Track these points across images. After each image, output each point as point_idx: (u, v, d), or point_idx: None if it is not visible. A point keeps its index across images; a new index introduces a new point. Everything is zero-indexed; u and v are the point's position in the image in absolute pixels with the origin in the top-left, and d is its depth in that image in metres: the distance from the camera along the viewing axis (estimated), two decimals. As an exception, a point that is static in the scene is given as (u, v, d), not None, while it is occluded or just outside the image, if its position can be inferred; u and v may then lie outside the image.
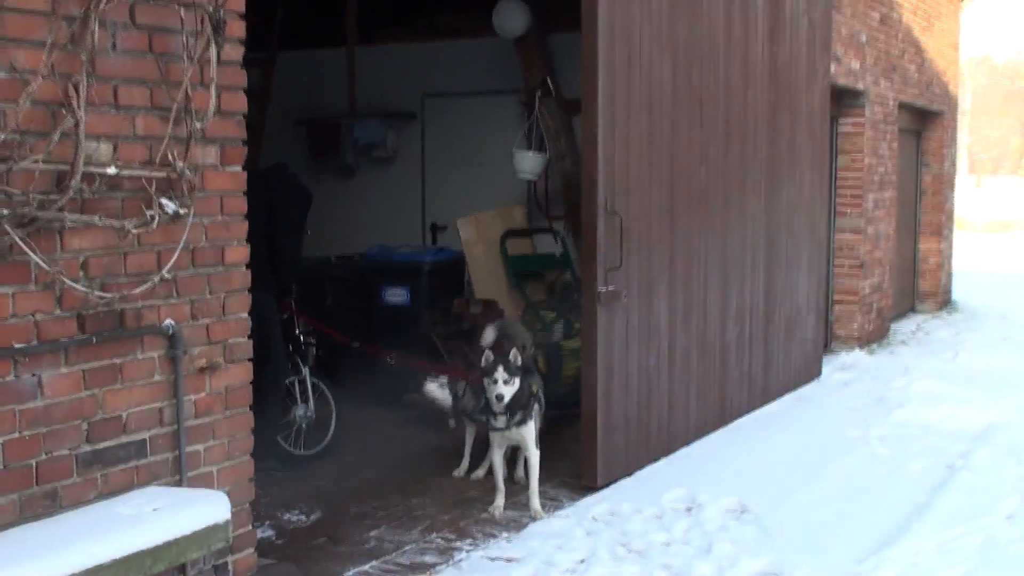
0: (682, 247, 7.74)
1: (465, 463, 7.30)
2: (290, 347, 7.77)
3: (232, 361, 4.56)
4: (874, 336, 12.57)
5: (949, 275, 16.16)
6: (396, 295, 9.29)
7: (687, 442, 7.97)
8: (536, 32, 9.68)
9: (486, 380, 6.33)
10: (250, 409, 4.69)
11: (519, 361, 6.37)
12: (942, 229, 15.56)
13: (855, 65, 11.46)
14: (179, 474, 4.35)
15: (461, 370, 7.56)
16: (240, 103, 4.49)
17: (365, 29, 11.09)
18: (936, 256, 15.52)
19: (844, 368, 10.96)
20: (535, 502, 6.46)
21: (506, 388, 6.26)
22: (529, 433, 6.48)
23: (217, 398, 4.49)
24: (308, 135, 11.30)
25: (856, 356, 11.52)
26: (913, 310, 15.40)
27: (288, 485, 7.06)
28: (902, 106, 13.32)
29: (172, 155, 4.11)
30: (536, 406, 6.56)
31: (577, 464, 7.27)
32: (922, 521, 6.34)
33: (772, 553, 5.82)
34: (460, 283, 9.40)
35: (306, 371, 7.69)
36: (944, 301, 15.91)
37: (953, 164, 15.98)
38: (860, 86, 11.66)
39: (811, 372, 10.35)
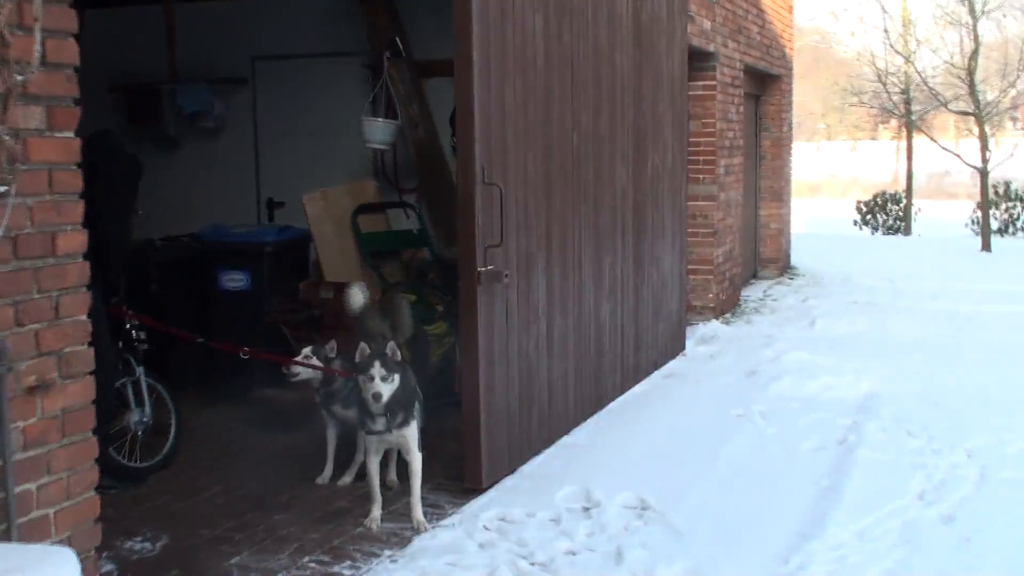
0: (558, 220, 7.11)
1: (329, 468, 6.51)
2: (119, 345, 6.80)
3: (70, 376, 3.67)
4: (727, 305, 12.26)
5: (789, 240, 16.10)
6: (235, 280, 8.37)
7: (567, 430, 7.37)
8: (382, -13, 8.85)
9: (361, 378, 5.56)
10: (93, 433, 3.80)
11: (398, 355, 5.62)
12: (782, 194, 15.44)
13: (707, 25, 11.04)
14: (7, 522, 3.45)
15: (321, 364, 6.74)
16: (71, 53, 3.59)
17: (185, -16, 10.01)
18: (777, 221, 15.40)
19: (705, 341, 10.58)
20: (418, 512, 5.74)
21: (384, 386, 5.51)
22: (412, 435, 5.75)
23: (51, 423, 3.61)
24: (124, 103, 10.18)
25: (714, 327, 11.16)
26: (756, 276, 15.25)
27: (126, 505, 6.13)
28: (746, 69, 13.02)
29: (-16, 119, 3.21)
30: (417, 404, 5.83)
31: (452, 463, 6.60)
32: (836, 508, 5.92)
33: (688, 556, 5.27)
34: (306, 265, 8.54)
35: (139, 371, 6.73)
36: (784, 266, 15.83)
37: (790, 128, 15.88)
38: (711, 47, 11.25)
39: (676, 347, 9.91)
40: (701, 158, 11.43)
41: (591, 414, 7.78)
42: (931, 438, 7.12)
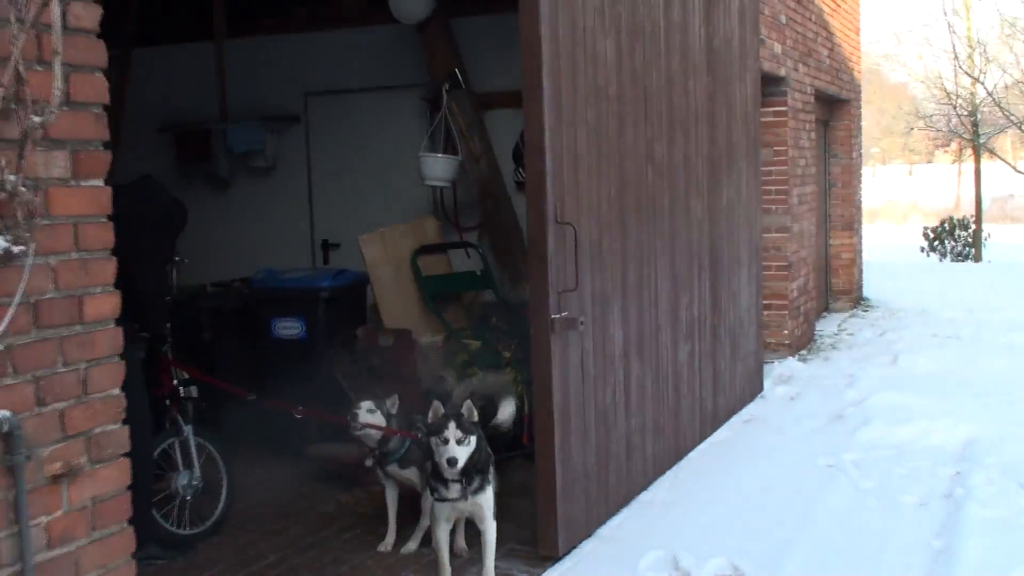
0: (633, 259, 6.60)
1: (391, 535, 6.02)
2: (167, 402, 6.37)
3: (100, 460, 3.21)
4: (803, 342, 11.66)
5: (861, 271, 15.44)
6: (289, 328, 7.92)
7: (645, 486, 6.83)
8: (440, 16, 8.40)
9: (434, 440, 5.07)
10: (130, 524, 3.34)
11: (475, 415, 5.13)
12: (853, 223, 14.81)
13: (777, 48, 10.51)
14: (31, 633, 2.98)
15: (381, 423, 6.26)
16: (98, 89, 3.13)
17: (235, 19, 9.60)
18: (849, 251, 14.76)
19: (784, 381, 9.98)
20: None
21: (460, 449, 5.01)
22: (487, 503, 5.24)
23: (80, 516, 3.14)
24: (174, 143, 9.83)
25: (791, 365, 10.57)
26: (828, 309, 14.61)
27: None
28: (816, 94, 12.46)
29: (-1, 167, 2.77)
30: (492, 467, 5.33)
31: (525, 524, 6.10)
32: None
33: (795, 637, 4.71)
34: (363, 310, 8.09)
35: (187, 430, 6.28)
36: (857, 298, 15.17)
37: (860, 155, 15.27)
38: (782, 72, 10.72)
39: (754, 389, 9.33)
40: (773, 187, 10.88)
41: (669, 467, 7.23)
42: (1047, 492, 6.49)
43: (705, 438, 7.96)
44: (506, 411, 5.97)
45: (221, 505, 6.42)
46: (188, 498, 6.24)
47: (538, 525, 5.74)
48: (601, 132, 6.14)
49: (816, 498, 6.58)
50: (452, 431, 4.99)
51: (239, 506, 6.71)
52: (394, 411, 5.95)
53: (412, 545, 5.92)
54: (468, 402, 5.15)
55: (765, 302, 10.70)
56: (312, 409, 6.47)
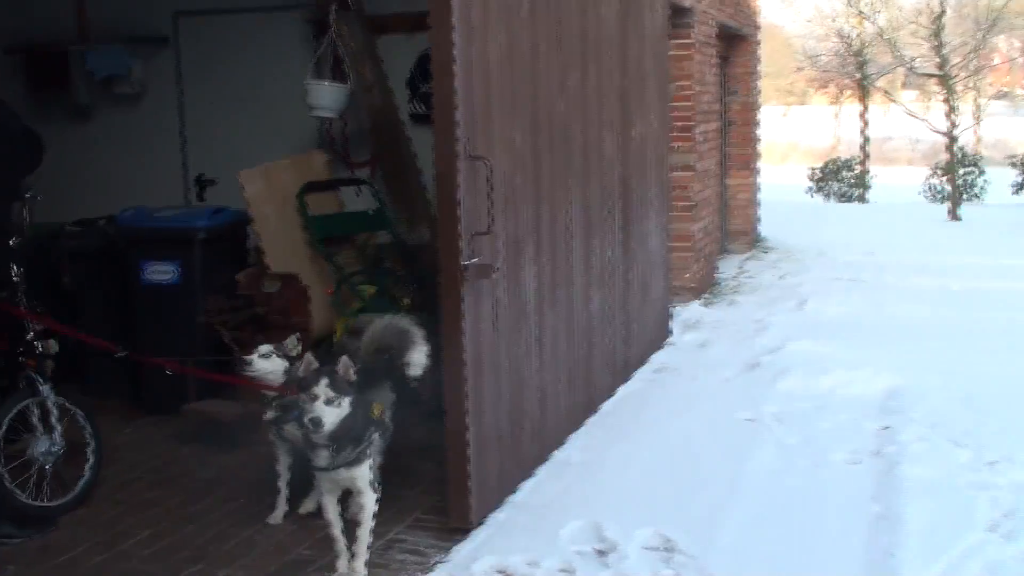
0: (547, 199, 6.00)
1: (282, 506, 5.38)
2: (20, 359, 5.60)
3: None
4: (705, 285, 11.25)
5: (758, 211, 15.13)
6: (161, 272, 7.13)
7: (559, 443, 6.30)
8: (328, -73, 7.59)
9: (303, 396, 4.44)
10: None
11: (352, 374, 4.50)
12: (751, 162, 14.46)
13: (684, -23, 9.95)
14: None
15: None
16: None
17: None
18: (746, 191, 14.43)
19: (691, 327, 9.54)
20: (360, 567, 4.64)
21: (328, 411, 4.39)
22: (363, 476, 4.63)
23: None
24: (26, 66, 8.86)
25: (696, 311, 10.15)
26: (725, 251, 14.26)
27: (31, 559, 5.00)
28: (718, 28, 11.97)
29: None
30: (379, 436, 4.74)
31: (430, 489, 5.57)
32: (901, 547, 4.90)
33: (741, 620, 4.24)
34: (244, 253, 7.34)
35: (45, 390, 5.52)
36: (754, 239, 14.87)
37: (758, 92, 14.89)
38: (688, 2, 10.17)
39: (662, 335, 8.88)
40: (678, 124, 10.36)
41: (583, 421, 6.72)
42: (980, 448, 6.13)
43: (617, 389, 7.47)
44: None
45: (87, 474, 5.69)
46: (48, 466, 5.49)
47: (448, 493, 5.16)
48: (514, 56, 5.50)
49: (741, 457, 6.13)
50: (322, 388, 4.37)
51: (108, 473, 5.98)
52: (295, 353, 5.26)
53: (309, 504, 5.31)
54: (345, 358, 4.52)
55: (669, 244, 10.24)
56: (187, 366, 5.76)
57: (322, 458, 4.51)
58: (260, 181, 6.92)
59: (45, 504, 5.44)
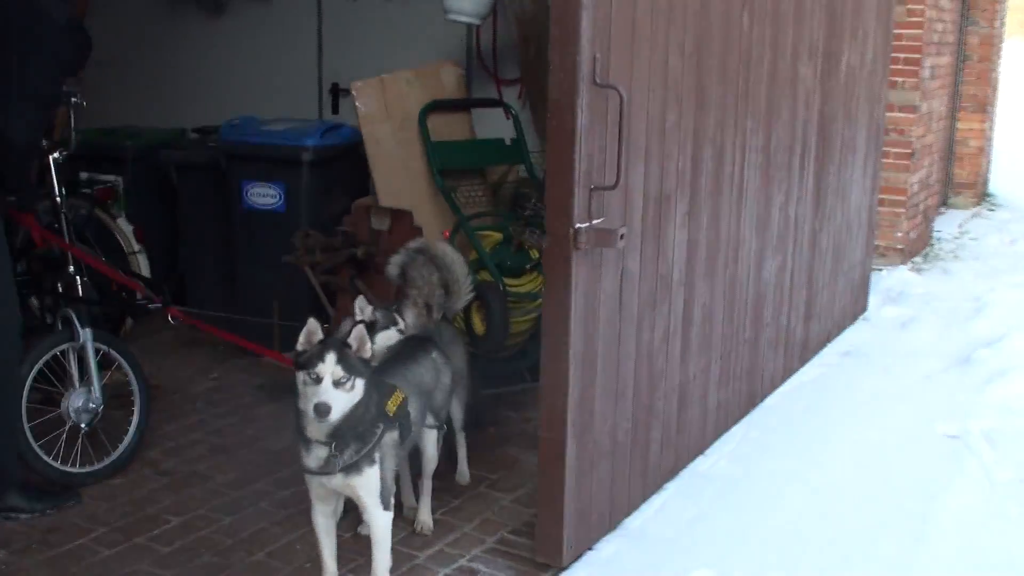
0: (710, 143, 4.69)
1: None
2: (58, 293, 4.73)
3: None
4: (917, 246, 9.62)
5: (989, 161, 13.18)
6: (264, 196, 6.19)
7: (703, 449, 5.06)
8: None
9: (301, 377, 3.36)
10: None
11: (367, 349, 3.42)
12: (986, 104, 12.51)
13: None
14: None
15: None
16: None
17: None
18: (978, 138, 12.48)
19: (893, 299, 8.00)
20: None
21: (336, 394, 3.32)
22: (366, 487, 3.54)
23: None
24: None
25: (903, 277, 8.57)
26: (945, 204, 12.45)
27: (28, 545, 4.11)
28: (963, -57, 10.15)
29: None
30: (393, 436, 3.62)
31: (524, 499, 4.43)
32: None
33: None
34: (365, 180, 6.26)
35: (85, 334, 4.61)
36: (982, 194, 12.96)
37: (1003, 23, 12.86)
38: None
39: (856, 308, 7.41)
40: (902, 55, 8.71)
41: (739, 419, 5.44)
42: None
43: (789, 376, 6.14)
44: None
45: (127, 437, 4.79)
46: (83, 426, 4.63)
47: (537, 523, 4.01)
48: (678, -47, 4.19)
49: (936, 490, 4.76)
50: (329, 365, 3.30)
51: (167, 430, 5.23)
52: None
53: (425, 518, 4.29)
54: (360, 328, 3.42)
55: (879, 196, 8.69)
56: (239, 337, 4.79)
57: (313, 457, 3.45)
58: (376, 95, 5.80)
59: (71, 470, 4.58)
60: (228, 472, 4.83)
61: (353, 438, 3.42)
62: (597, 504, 4.13)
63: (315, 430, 3.36)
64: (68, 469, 4.56)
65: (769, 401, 5.78)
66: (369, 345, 3.41)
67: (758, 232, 5.34)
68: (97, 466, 4.65)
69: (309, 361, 3.31)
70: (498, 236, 5.56)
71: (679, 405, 4.72)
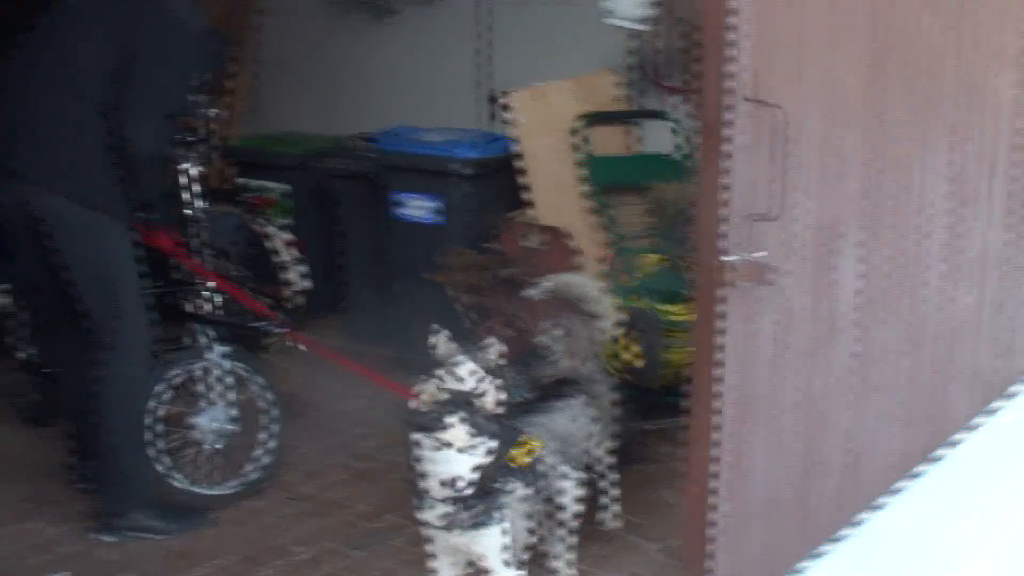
0: (891, 163, 4.20)
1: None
2: (186, 309, 4.60)
3: None
4: None
5: None
6: (418, 208, 5.97)
7: (878, 504, 4.55)
8: None
9: (421, 439, 3.07)
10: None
11: (500, 404, 3.09)
12: None
13: None
14: None
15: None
16: None
17: None
18: None
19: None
20: None
21: (463, 461, 3.03)
22: (489, 546, 3.22)
23: None
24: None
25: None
26: None
27: (151, 569, 3.99)
28: None
29: None
30: (523, 490, 3.28)
31: (675, 550, 4.05)
32: None
33: None
34: (522, 193, 5.96)
35: (217, 351, 4.47)
36: None
37: None
38: None
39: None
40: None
41: (920, 470, 4.90)
42: None
43: (982, 421, 5.52)
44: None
45: (260, 460, 4.64)
46: (214, 447, 4.49)
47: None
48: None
49: None
50: (458, 431, 2.99)
51: (309, 450, 5.11)
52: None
53: (564, 572, 3.96)
54: (489, 384, 3.10)
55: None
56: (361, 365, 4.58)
57: (434, 514, 3.16)
58: (532, 105, 5.51)
59: (202, 492, 4.45)
60: (365, 500, 4.63)
61: (475, 495, 3.12)
62: (751, 566, 3.73)
63: (439, 490, 3.07)
64: (199, 491, 4.44)
65: (957, 449, 5.20)
66: (503, 400, 3.10)
67: (946, 259, 4.80)
68: (228, 488, 4.52)
69: (432, 424, 3.02)
70: (656, 259, 5.19)
71: (850, 455, 4.25)
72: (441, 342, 3.45)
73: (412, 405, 3.10)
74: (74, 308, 4.12)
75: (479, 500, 3.12)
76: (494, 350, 3.60)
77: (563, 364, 3.98)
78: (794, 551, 3.98)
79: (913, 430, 4.75)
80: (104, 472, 4.18)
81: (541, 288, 4.20)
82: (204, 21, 4.25)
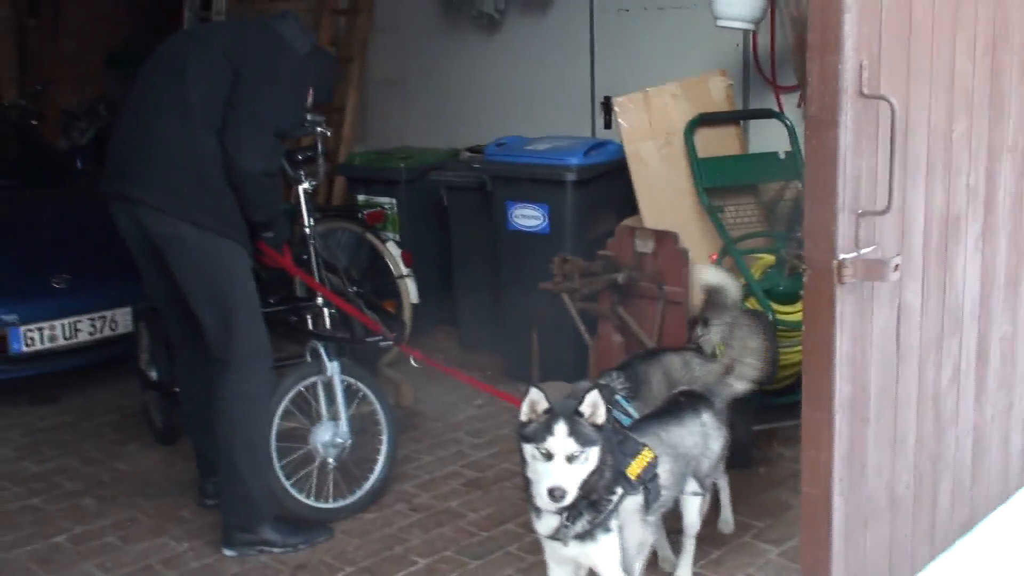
0: (1009, 151, 4.09)
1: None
2: (307, 325, 4.70)
3: None
4: None
5: None
6: (528, 217, 6.02)
7: (1006, 497, 4.43)
8: None
9: (528, 448, 3.09)
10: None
11: (600, 414, 3.09)
12: None
13: None
14: None
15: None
16: None
17: None
18: None
19: None
20: None
21: (570, 471, 3.04)
22: (604, 555, 3.22)
23: None
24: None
25: None
26: None
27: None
28: None
29: None
30: (638, 500, 3.28)
31: (792, 552, 4.04)
32: None
33: None
34: (630, 199, 5.96)
35: (333, 367, 4.55)
36: None
37: None
38: None
39: None
40: None
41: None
42: None
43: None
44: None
45: (376, 473, 4.72)
46: (331, 460, 4.56)
47: (798, 591, 3.58)
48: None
49: None
50: (561, 440, 3.00)
51: (426, 461, 5.16)
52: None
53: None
54: (594, 394, 3.08)
55: None
56: (472, 376, 4.62)
57: (545, 525, 3.18)
58: (640, 111, 5.51)
59: (321, 505, 4.53)
60: (481, 509, 4.67)
61: (586, 507, 3.12)
62: (872, 567, 3.65)
63: (547, 503, 3.08)
64: (317, 504, 4.52)
65: (1089, 444, 5.03)
66: (603, 410, 3.10)
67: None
68: (346, 501, 4.61)
69: (536, 435, 3.04)
70: (770, 259, 5.13)
71: (973, 452, 4.14)
72: (532, 402, 3.09)
73: (524, 413, 3.11)
74: (193, 328, 4.23)
75: (590, 511, 3.13)
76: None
77: (713, 379, 3.94)
78: (917, 551, 3.88)
79: (1041, 428, 4.60)
80: (227, 488, 4.29)
81: (726, 319, 4.17)
82: (312, 42, 4.34)
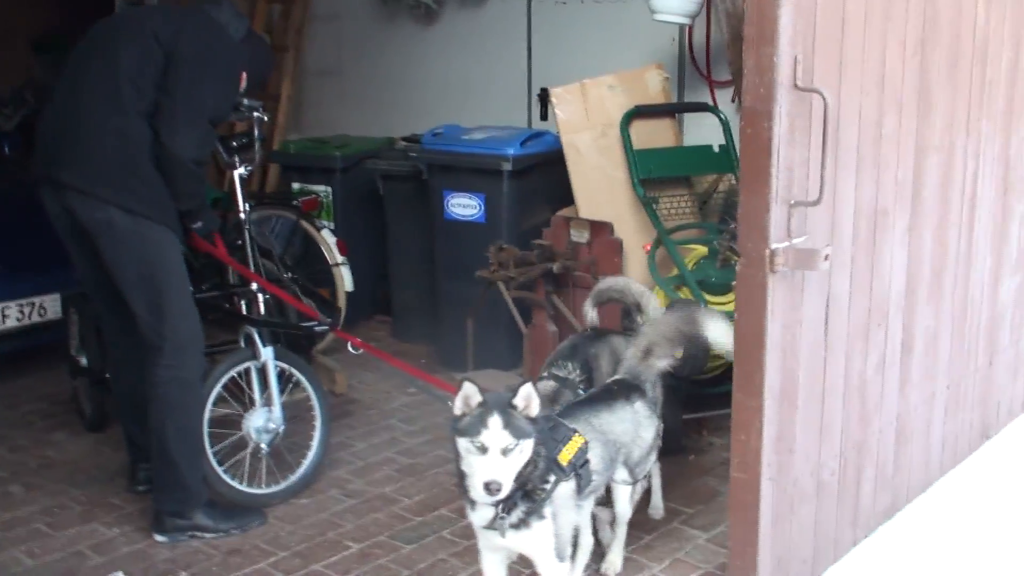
0: (936, 150, 4.19)
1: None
2: (240, 311, 4.68)
3: None
4: None
5: None
6: (464, 206, 6.03)
7: (925, 486, 4.55)
8: None
9: (462, 442, 3.10)
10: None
11: (534, 407, 3.12)
12: None
13: None
14: None
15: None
16: None
17: None
18: None
19: None
20: None
21: (504, 464, 3.05)
22: (538, 543, 3.27)
23: None
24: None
25: None
26: None
27: (208, 568, 4.06)
28: None
29: None
30: (569, 487, 3.32)
31: (721, 538, 4.11)
32: None
33: None
34: (566, 190, 6.01)
35: (267, 353, 4.54)
36: None
37: None
38: None
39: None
40: None
41: (968, 455, 4.89)
42: None
43: (1031, 406, 5.51)
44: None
45: (309, 459, 4.71)
46: (264, 447, 4.56)
47: (728, 572, 3.65)
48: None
49: None
50: (495, 433, 3.01)
51: (360, 448, 5.20)
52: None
53: (613, 558, 4.01)
54: (527, 387, 3.11)
55: None
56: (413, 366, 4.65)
57: (480, 516, 3.21)
58: (576, 102, 5.56)
59: (253, 491, 4.52)
60: (414, 495, 4.68)
61: (521, 497, 3.15)
62: (798, 551, 3.74)
63: (483, 495, 3.09)
64: (250, 490, 4.51)
65: (1005, 433, 5.18)
66: (537, 403, 3.13)
67: (993, 248, 4.78)
68: (279, 487, 4.60)
69: (471, 428, 3.05)
70: (703, 250, 5.21)
71: (896, 441, 4.24)
72: (465, 396, 3.10)
73: (458, 408, 3.12)
74: (124, 313, 4.19)
75: (524, 500, 3.16)
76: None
77: (635, 362, 3.95)
78: (841, 535, 3.98)
79: (959, 416, 4.73)
80: (159, 474, 4.26)
81: (592, 295, 4.22)
82: (247, 26, 4.32)
